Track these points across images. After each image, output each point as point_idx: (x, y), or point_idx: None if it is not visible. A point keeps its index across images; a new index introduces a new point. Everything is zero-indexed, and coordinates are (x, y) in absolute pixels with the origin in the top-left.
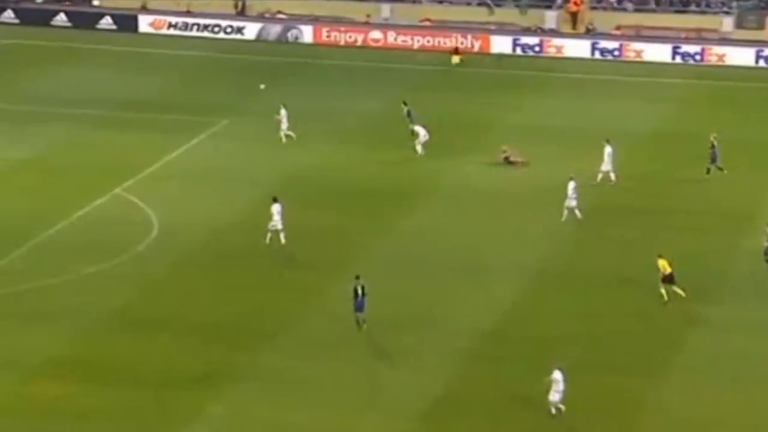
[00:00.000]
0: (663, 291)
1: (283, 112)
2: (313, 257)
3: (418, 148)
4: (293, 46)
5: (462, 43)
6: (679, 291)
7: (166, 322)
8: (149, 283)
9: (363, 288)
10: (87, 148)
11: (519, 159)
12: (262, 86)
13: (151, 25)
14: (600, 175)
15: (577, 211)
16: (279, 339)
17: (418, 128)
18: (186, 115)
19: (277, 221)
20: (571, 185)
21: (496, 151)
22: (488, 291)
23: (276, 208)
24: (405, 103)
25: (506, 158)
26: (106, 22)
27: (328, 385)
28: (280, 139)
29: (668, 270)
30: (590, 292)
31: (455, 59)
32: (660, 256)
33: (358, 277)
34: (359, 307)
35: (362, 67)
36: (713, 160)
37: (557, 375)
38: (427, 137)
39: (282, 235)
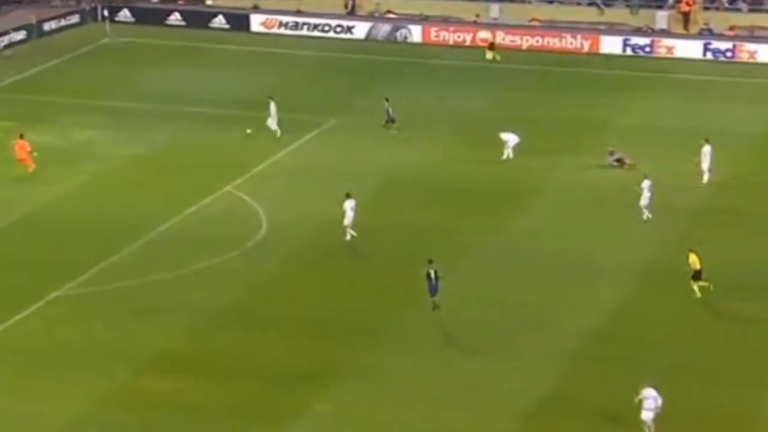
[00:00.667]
0: (695, 287)
1: (272, 106)
2: (419, 256)
3: (508, 152)
4: (402, 46)
5: (571, 44)
6: (705, 284)
7: (274, 318)
8: (258, 279)
9: (436, 272)
10: (198, 145)
11: (627, 160)
12: (249, 131)
13: (263, 24)
14: (706, 176)
15: (645, 211)
16: (383, 337)
17: (508, 134)
18: (295, 114)
19: (349, 217)
20: (646, 183)
21: (603, 152)
22: (594, 291)
23: (349, 204)
24: (387, 100)
25: (616, 159)
26: (219, 21)
27: (432, 384)
28: (275, 132)
29: (698, 266)
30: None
31: (489, 55)
32: (691, 251)
33: (431, 262)
34: (434, 291)
35: (470, 67)
36: None
37: (648, 392)
38: (517, 140)
39: (352, 231)
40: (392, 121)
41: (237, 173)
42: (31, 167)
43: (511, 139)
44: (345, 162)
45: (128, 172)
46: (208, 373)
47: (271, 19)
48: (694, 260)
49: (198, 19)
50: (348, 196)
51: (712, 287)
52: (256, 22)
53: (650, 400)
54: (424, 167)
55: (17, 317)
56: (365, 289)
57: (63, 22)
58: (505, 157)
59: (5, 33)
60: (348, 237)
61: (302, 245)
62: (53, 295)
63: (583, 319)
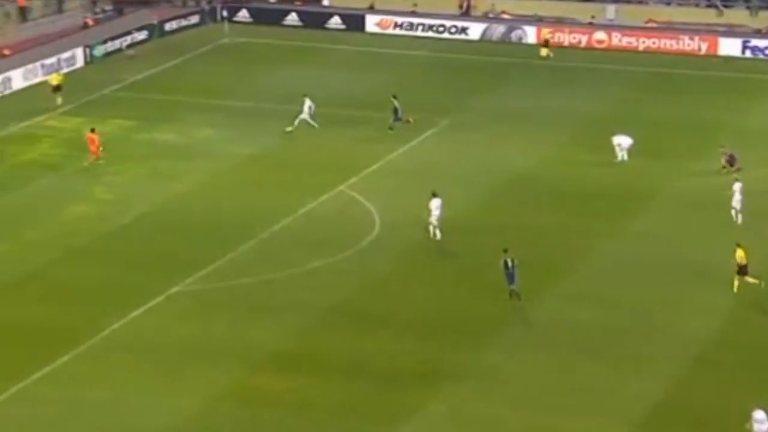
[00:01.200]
0: (735, 282)
1: (307, 103)
2: (534, 257)
3: (623, 154)
4: (516, 47)
5: (688, 45)
6: (753, 281)
7: (387, 318)
8: (370, 279)
9: (513, 260)
10: (313, 145)
11: (736, 164)
12: (288, 129)
13: (378, 24)
14: None
15: (733, 212)
16: (497, 337)
17: (621, 138)
18: (409, 114)
19: (435, 216)
20: (737, 186)
21: (718, 155)
22: (710, 294)
23: (435, 203)
24: (395, 97)
25: (726, 160)
26: (335, 21)
27: (545, 386)
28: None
29: (744, 261)
30: None
31: (543, 52)
32: (739, 246)
33: (506, 251)
34: (511, 280)
35: (585, 68)
36: None
37: (759, 415)
38: (630, 142)
39: (437, 231)
40: (399, 119)
41: (351, 173)
42: (91, 159)
43: (624, 141)
44: (458, 162)
45: (244, 171)
46: (321, 372)
47: (386, 20)
48: (741, 255)
49: (314, 20)
50: (434, 195)
51: (763, 284)
52: (372, 23)
53: (760, 423)
54: (539, 168)
55: (136, 313)
56: (478, 289)
57: (183, 23)
58: (619, 159)
59: (128, 33)
60: (437, 236)
61: (415, 245)
62: (172, 291)
63: (698, 323)
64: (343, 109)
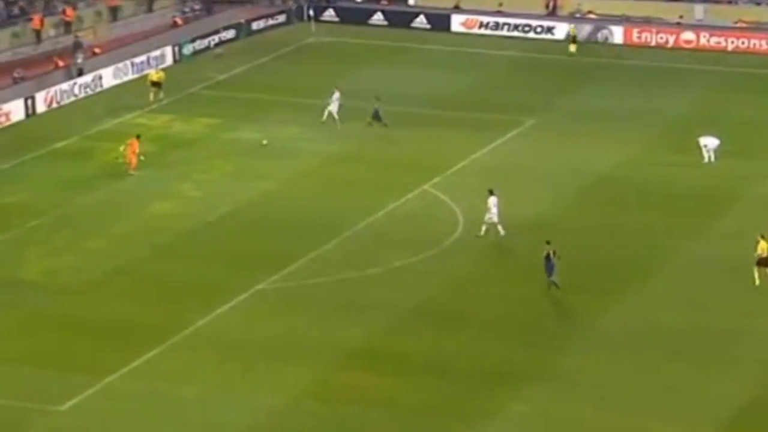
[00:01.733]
0: (756, 274)
1: (336, 94)
2: (619, 257)
3: (710, 155)
4: (603, 47)
5: None
6: None
7: (469, 317)
8: (453, 278)
9: (554, 252)
10: (396, 144)
11: None
12: (264, 142)
13: (464, 24)
14: None
15: None
16: (579, 338)
17: (707, 138)
18: (494, 114)
19: (493, 214)
20: None
21: None
22: None
23: (492, 201)
24: (378, 99)
25: None
26: (420, 21)
27: (629, 387)
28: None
29: (766, 253)
30: None
31: (572, 47)
32: (763, 238)
33: (548, 242)
34: (550, 271)
35: (672, 69)
36: None
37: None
38: (717, 143)
39: (500, 227)
40: (378, 119)
41: (434, 172)
42: (130, 167)
43: (710, 142)
44: (543, 162)
45: (329, 170)
46: (404, 371)
47: (472, 19)
48: (763, 247)
49: (400, 19)
50: (491, 193)
51: None
52: (457, 22)
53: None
54: (625, 169)
55: (221, 309)
56: (563, 289)
57: (270, 22)
58: (706, 160)
59: (216, 32)
60: (501, 233)
61: (497, 245)
62: (256, 288)
63: None
64: (428, 108)
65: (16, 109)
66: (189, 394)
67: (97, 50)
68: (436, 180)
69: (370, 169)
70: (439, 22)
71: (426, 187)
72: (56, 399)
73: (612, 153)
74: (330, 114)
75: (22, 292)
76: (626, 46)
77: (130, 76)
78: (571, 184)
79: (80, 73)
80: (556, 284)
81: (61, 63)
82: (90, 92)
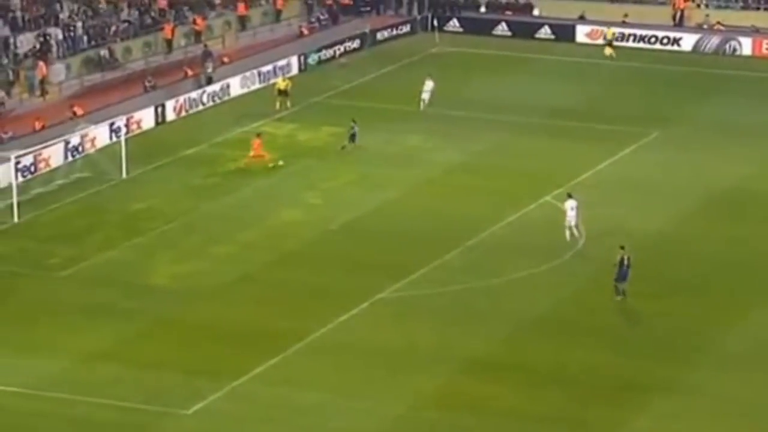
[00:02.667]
0: None
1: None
2: (748, 272)
3: None
4: (730, 59)
5: None
6: None
7: (590, 329)
8: (574, 290)
9: (629, 259)
10: (519, 154)
11: None
12: (281, 162)
13: (588, 35)
14: None
15: None
16: (706, 353)
17: None
18: (617, 126)
19: (571, 217)
20: None
21: None
22: None
23: (570, 204)
24: (354, 122)
25: None
26: (545, 32)
27: (758, 405)
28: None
29: None
30: None
31: (608, 51)
32: None
33: (623, 248)
34: (623, 277)
35: None
36: None
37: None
38: None
39: (576, 231)
40: (353, 141)
41: (557, 183)
42: (249, 159)
43: None
44: (668, 174)
45: (452, 179)
46: (525, 381)
47: (597, 30)
48: None
49: (524, 30)
50: (569, 196)
51: None
52: (582, 33)
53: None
54: (750, 181)
55: (343, 317)
56: (690, 303)
57: (395, 32)
58: None
59: (341, 42)
60: (576, 235)
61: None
62: (377, 297)
63: None
64: (551, 119)
65: (146, 117)
66: (310, 401)
67: (225, 59)
68: (558, 191)
69: (492, 178)
70: (564, 32)
71: (548, 198)
72: (182, 403)
73: (737, 166)
74: (422, 100)
75: (151, 297)
76: (755, 57)
77: (257, 85)
78: (695, 196)
79: (209, 82)
80: (623, 293)
81: (190, 72)
82: (218, 101)
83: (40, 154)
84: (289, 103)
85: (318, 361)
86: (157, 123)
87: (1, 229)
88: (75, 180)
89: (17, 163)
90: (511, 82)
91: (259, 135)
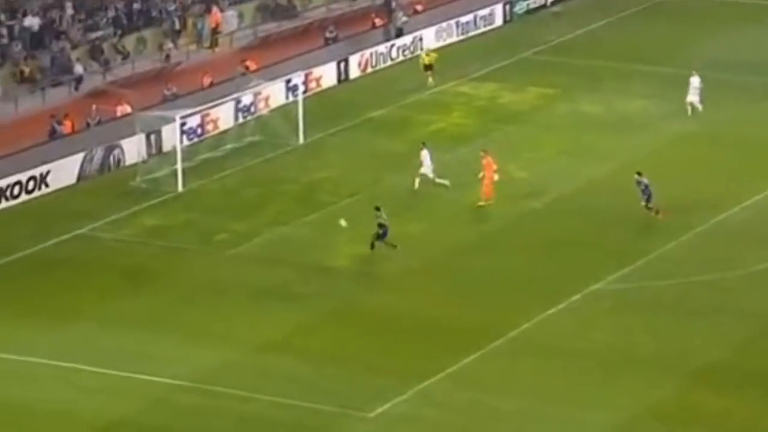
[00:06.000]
0: None
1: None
2: None
3: None
4: None
5: None
6: None
7: None
8: None
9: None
10: (762, 123)
11: None
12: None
13: None
14: None
15: None
16: None
17: None
18: None
19: (427, 167)
20: None
21: None
22: None
23: (424, 154)
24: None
25: None
26: None
27: None
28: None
29: None
30: None
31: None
32: None
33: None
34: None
35: None
36: None
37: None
38: None
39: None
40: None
41: None
42: (486, 196)
43: None
44: None
45: (679, 151)
46: (763, 394)
47: None
48: None
49: None
50: (423, 146)
51: None
52: None
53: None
54: None
55: (549, 312)
56: None
57: None
58: None
59: None
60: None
61: None
62: (591, 288)
63: None
64: None
65: (327, 74)
66: (509, 406)
67: (418, 8)
68: None
69: (727, 152)
70: None
71: None
72: (364, 404)
73: None
74: (692, 105)
75: (329, 281)
76: None
77: (454, 38)
78: None
79: (399, 34)
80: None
81: (378, 22)
82: (408, 55)
83: (207, 115)
84: (431, 80)
85: (519, 361)
86: (339, 80)
87: (163, 199)
88: (246, 144)
89: (182, 124)
90: (755, 35)
91: (485, 151)
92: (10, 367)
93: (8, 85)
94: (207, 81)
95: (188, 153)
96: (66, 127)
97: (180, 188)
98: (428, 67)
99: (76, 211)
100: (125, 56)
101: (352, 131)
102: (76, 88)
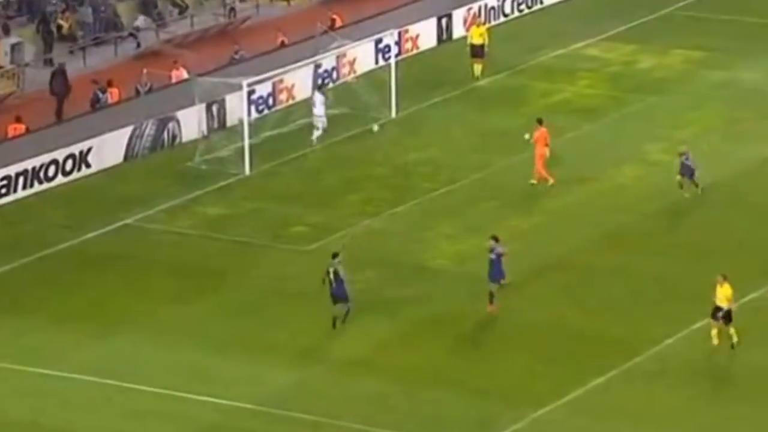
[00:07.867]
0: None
1: None
2: None
3: None
4: None
5: None
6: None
7: None
8: None
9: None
10: None
11: None
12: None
13: None
14: None
15: None
16: None
17: None
18: None
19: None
20: None
21: None
22: None
23: (317, 98)
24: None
25: None
26: None
27: None
28: None
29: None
30: None
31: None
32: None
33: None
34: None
35: None
36: None
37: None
38: None
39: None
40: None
41: None
42: (538, 174)
43: None
44: None
45: None
46: None
47: None
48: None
49: None
50: (319, 89)
51: None
52: None
53: None
54: None
55: (698, 324)
56: None
57: None
58: None
59: None
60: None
61: None
62: (747, 298)
63: None
64: None
65: (426, 32)
66: None
67: None
68: None
69: None
70: None
71: None
72: None
73: None
74: None
75: (427, 284)
76: None
77: None
78: None
79: None
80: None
81: None
82: (525, 11)
83: (281, 82)
84: (478, 71)
85: (657, 386)
86: (439, 41)
87: (228, 183)
88: (327, 118)
89: (250, 92)
90: None
91: (540, 121)
92: (44, 384)
93: (42, 45)
94: (280, 40)
95: (257, 128)
96: (111, 95)
97: (247, 170)
98: (478, 51)
99: (122, 197)
100: (182, 10)
101: (455, 103)
102: (124, 49)
